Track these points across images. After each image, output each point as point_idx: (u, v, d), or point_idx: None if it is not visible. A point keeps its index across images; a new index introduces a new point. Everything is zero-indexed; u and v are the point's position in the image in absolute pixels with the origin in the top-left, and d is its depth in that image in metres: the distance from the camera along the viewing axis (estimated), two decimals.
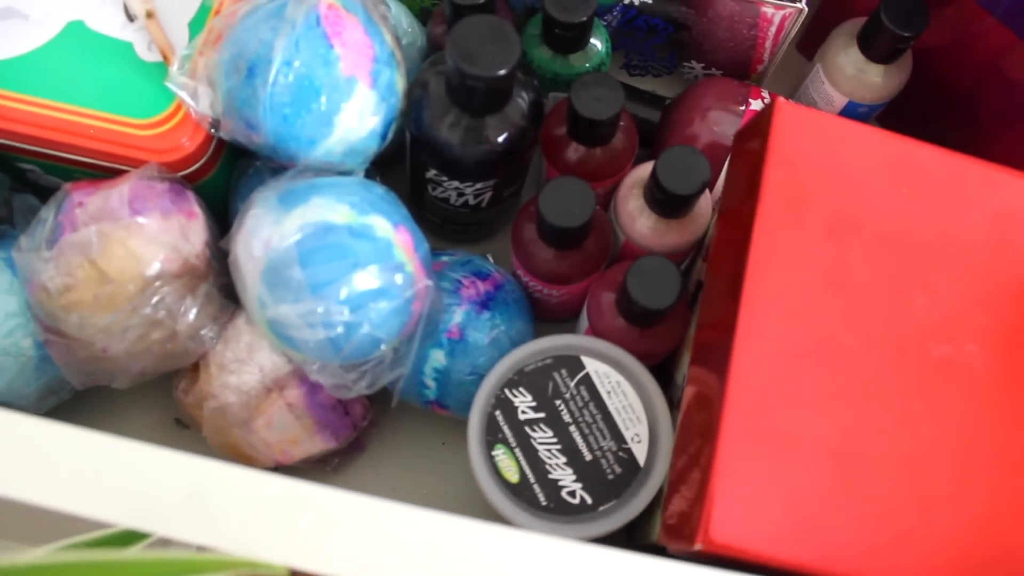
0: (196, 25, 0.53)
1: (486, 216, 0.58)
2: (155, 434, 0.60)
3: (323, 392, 0.52)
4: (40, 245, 0.49)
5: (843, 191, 0.43)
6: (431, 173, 0.53)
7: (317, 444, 0.53)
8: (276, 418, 0.51)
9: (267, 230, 0.46)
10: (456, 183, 0.53)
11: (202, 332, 0.51)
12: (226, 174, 0.55)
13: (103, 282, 0.48)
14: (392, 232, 0.47)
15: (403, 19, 0.57)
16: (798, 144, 0.44)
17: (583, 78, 0.51)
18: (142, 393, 0.61)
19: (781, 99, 0.45)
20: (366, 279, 0.45)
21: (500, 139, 0.51)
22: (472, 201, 0.55)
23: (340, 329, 0.46)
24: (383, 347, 0.47)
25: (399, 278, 0.46)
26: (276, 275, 0.45)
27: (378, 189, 0.49)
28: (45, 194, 0.57)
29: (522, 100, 0.51)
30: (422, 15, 0.61)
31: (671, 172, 0.50)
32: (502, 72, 0.46)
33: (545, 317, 0.59)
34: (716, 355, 0.42)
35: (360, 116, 0.49)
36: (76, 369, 0.52)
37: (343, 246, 0.45)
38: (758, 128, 0.45)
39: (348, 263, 0.45)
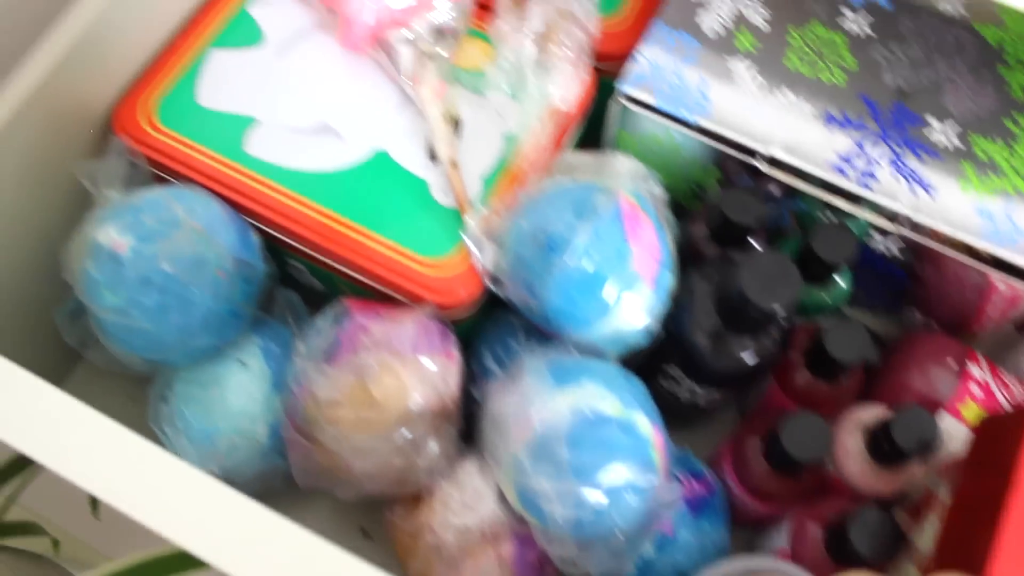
0: (489, 181, 0.57)
1: (698, 414, 0.61)
2: (339, 538, 0.62)
3: (532, 552, 0.54)
4: (318, 356, 0.52)
5: None
6: (671, 369, 0.56)
7: None
8: (484, 567, 0.54)
9: (540, 403, 0.49)
10: (693, 384, 0.56)
11: (437, 468, 0.54)
12: (478, 321, 0.59)
13: (370, 406, 0.51)
14: (652, 432, 0.50)
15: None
16: None
17: (836, 321, 0.54)
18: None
19: None
20: (624, 472, 0.48)
21: (750, 357, 0.54)
22: (700, 402, 0.58)
23: (590, 513, 0.48)
24: (618, 534, 0.50)
25: (651, 477, 0.49)
26: (543, 448, 0.48)
27: (638, 383, 0.52)
28: (301, 291, 0.61)
29: (778, 326, 0.54)
30: (674, 208, 0.64)
31: (905, 428, 0.53)
32: (779, 308, 0.50)
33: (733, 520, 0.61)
34: None
35: (636, 311, 0.52)
36: (307, 471, 0.54)
37: (611, 438, 0.48)
38: (1017, 419, 0.48)
39: (612, 454, 0.48)
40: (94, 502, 0.62)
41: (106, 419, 0.39)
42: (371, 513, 0.64)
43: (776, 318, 0.52)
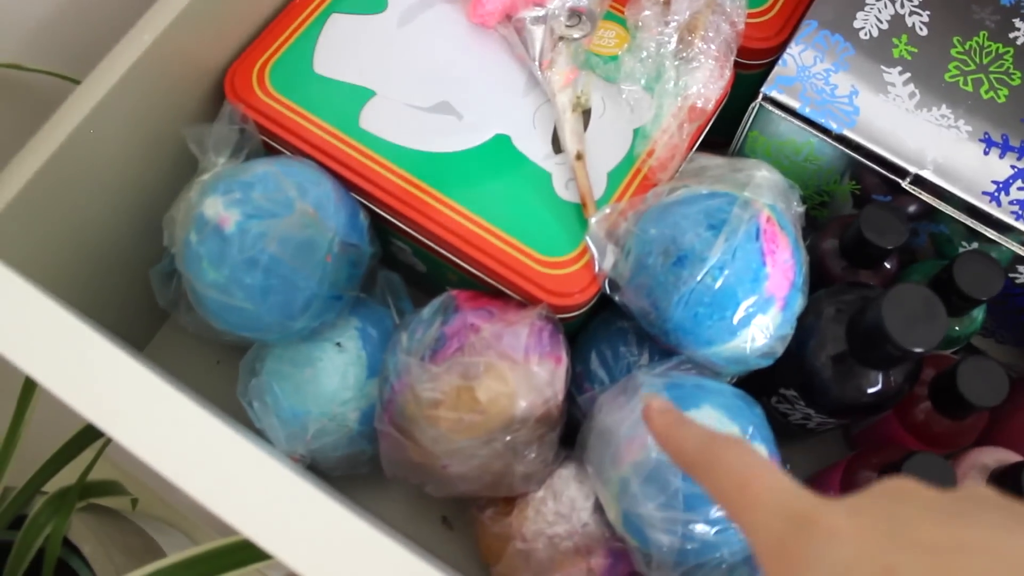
0: (615, 175, 0.53)
1: (803, 434, 0.58)
2: (419, 524, 0.61)
3: (622, 566, 0.52)
4: (424, 352, 0.50)
5: None
6: (788, 391, 0.53)
7: None
8: None
9: None
10: (809, 410, 0.53)
11: (534, 475, 0.52)
12: (586, 320, 0.56)
13: (473, 410, 0.49)
14: None
15: None
16: None
17: (973, 361, 0.51)
18: None
19: None
20: None
21: (872, 391, 0.51)
22: (810, 425, 0.55)
23: (696, 545, 0.46)
24: (723, 567, 0.48)
25: None
26: (655, 474, 0.46)
27: (759, 410, 0.49)
28: (402, 269, 0.59)
29: (913, 364, 0.51)
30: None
31: None
32: (921, 350, 0.46)
33: None
34: None
35: (762, 334, 0.49)
36: (398, 465, 0.53)
37: None
38: None
39: None
40: None
41: (185, 399, 0.37)
42: (454, 501, 0.63)
43: (914, 358, 0.49)
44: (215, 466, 0.37)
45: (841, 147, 0.54)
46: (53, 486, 0.54)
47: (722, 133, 0.60)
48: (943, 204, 0.53)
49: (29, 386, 0.54)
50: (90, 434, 0.56)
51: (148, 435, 0.37)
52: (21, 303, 0.38)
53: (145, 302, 0.58)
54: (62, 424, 0.55)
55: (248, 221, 0.49)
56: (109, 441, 0.57)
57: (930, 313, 0.47)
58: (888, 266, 0.57)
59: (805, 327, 0.51)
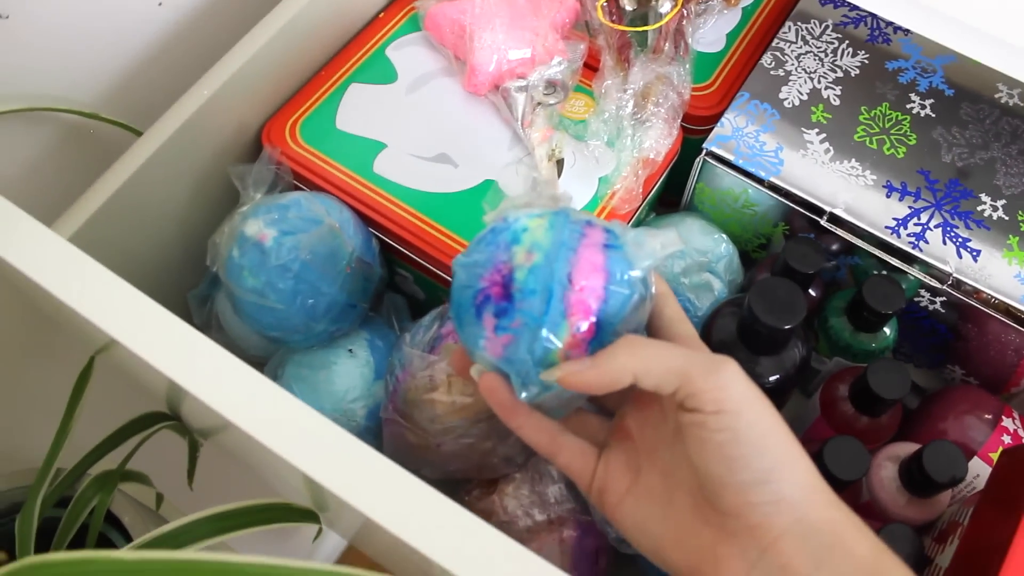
0: None
1: None
2: None
3: (590, 538, 0.61)
4: (423, 346, 0.60)
5: None
6: None
7: None
8: (546, 549, 0.60)
9: None
10: None
11: (514, 456, 0.61)
12: None
13: (464, 393, 0.58)
14: None
15: (734, 260, 0.68)
16: None
17: (881, 362, 0.61)
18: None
19: None
20: None
21: (770, 379, 0.60)
22: None
23: None
24: None
25: None
26: None
27: None
28: (405, 295, 0.69)
29: (796, 353, 0.61)
30: (742, 257, 0.71)
31: (935, 459, 0.58)
32: (786, 327, 0.56)
33: None
34: None
35: None
36: (397, 450, 0.62)
37: None
38: None
39: None
40: (191, 471, 0.69)
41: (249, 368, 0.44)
42: (446, 492, 0.71)
43: (787, 338, 0.58)
44: (283, 417, 0.42)
45: (771, 193, 0.65)
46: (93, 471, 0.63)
47: (677, 194, 0.72)
48: (856, 238, 0.64)
49: (81, 382, 0.63)
50: (131, 429, 0.64)
51: (230, 390, 0.42)
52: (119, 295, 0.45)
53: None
54: (107, 419, 0.64)
55: (283, 236, 0.59)
56: (148, 437, 0.66)
57: (792, 300, 0.57)
58: (814, 294, 0.67)
59: (707, 328, 0.62)
